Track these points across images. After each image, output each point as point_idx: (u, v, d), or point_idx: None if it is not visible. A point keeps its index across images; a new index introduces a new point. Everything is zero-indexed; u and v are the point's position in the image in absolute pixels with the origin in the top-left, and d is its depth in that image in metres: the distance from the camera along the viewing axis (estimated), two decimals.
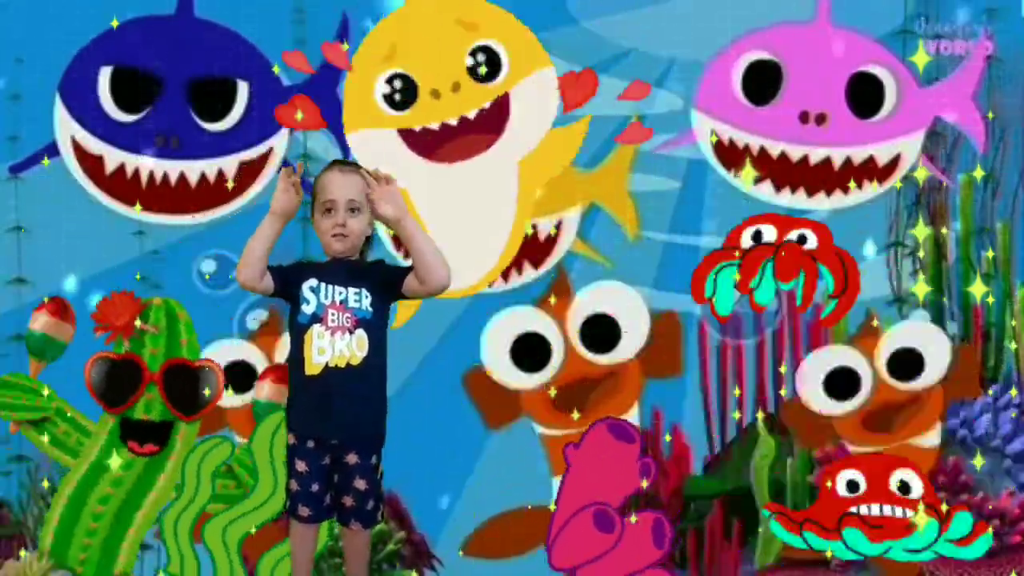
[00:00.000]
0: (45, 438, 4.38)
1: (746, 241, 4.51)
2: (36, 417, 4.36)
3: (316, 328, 3.32)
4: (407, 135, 4.46)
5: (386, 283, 3.42)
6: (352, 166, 3.55)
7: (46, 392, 4.37)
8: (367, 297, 3.36)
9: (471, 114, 4.46)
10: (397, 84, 4.43)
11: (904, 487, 4.49)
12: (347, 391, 3.31)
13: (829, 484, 4.51)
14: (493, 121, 4.47)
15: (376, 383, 3.39)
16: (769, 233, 4.50)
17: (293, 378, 3.41)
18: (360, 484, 3.36)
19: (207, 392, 4.38)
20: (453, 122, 4.46)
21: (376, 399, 3.40)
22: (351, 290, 3.35)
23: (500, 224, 4.49)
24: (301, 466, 3.36)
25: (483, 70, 4.41)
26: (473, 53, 4.45)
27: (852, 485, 4.51)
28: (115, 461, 4.37)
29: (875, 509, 4.48)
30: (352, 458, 3.35)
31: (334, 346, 3.31)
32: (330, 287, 3.35)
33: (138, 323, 4.36)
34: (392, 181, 3.33)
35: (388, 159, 4.24)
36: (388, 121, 4.45)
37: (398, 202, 3.31)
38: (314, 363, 3.32)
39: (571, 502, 4.48)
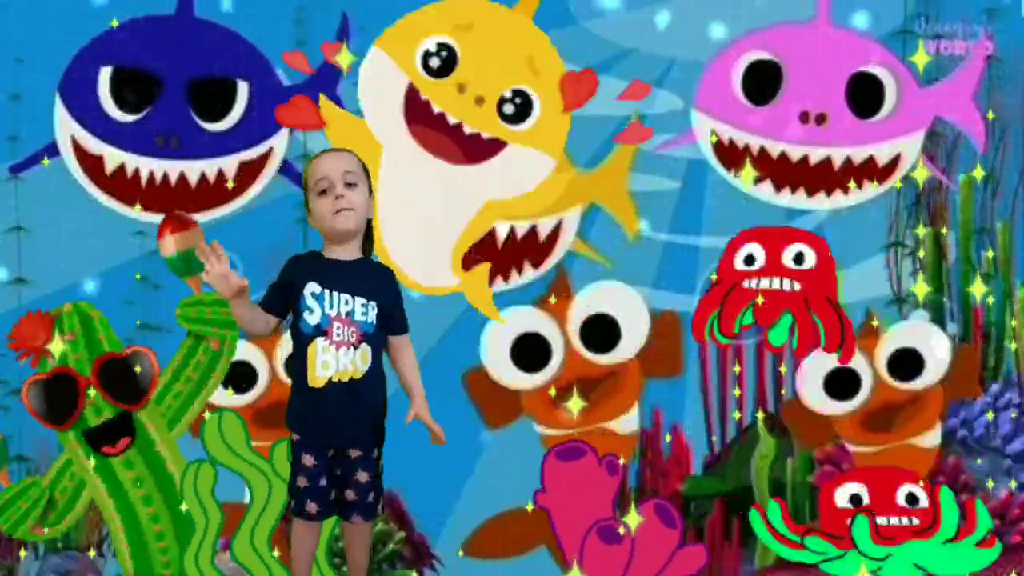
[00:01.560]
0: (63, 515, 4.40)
1: (738, 264, 4.50)
2: (43, 506, 4.35)
3: (320, 342, 3.17)
4: (419, 103, 4.46)
5: (388, 318, 3.31)
6: (339, 149, 3.44)
7: (27, 485, 4.38)
8: (373, 310, 3.22)
9: (468, 129, 4.46)
10: (444, 54, 4.42)
11: (912, 499, 4.50)
12: (350, 403, 3.22)
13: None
14: (479, 149, 4.47)
15: (377, 390, 3.30)
16: (759, 256, 4.48)
17: (296, 382, 3.29)
18: (362, 476, 3.31)
19: (143, 375, 4.36)
20: (453, 121, 4.45)
21: (377, 404, 3.32)
22: (358, 301, 3.20)
23: (451, 227, 4.49)
24: (308, 460, 3.27)
25: (509, 109, 4.42)
26: (515, 92, 4.45)
27: (855, 499, 4.51)
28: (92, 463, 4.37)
29: (881, 520, 4.48)
30: (354, 452, 3.30)
31: (339, 361, 3.18)
32: (335, 295, 3.18)
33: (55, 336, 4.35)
34: None
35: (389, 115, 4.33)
36: (419, 78, 4.44)
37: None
38: (317, 376, 3.19)
39: (573, 539, 4.48)
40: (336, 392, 3.21)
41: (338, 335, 3.19)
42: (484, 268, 4.40)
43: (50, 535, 4.40)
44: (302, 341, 3.23)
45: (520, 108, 4.44)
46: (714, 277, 4.50)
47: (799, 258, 4.50)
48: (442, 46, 4.44)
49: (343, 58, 4.42)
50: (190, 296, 4.37)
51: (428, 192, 4.45)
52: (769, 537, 4.46)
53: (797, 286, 4.49)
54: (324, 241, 3.31)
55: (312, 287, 3.20)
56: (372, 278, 3.29)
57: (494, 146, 4.47)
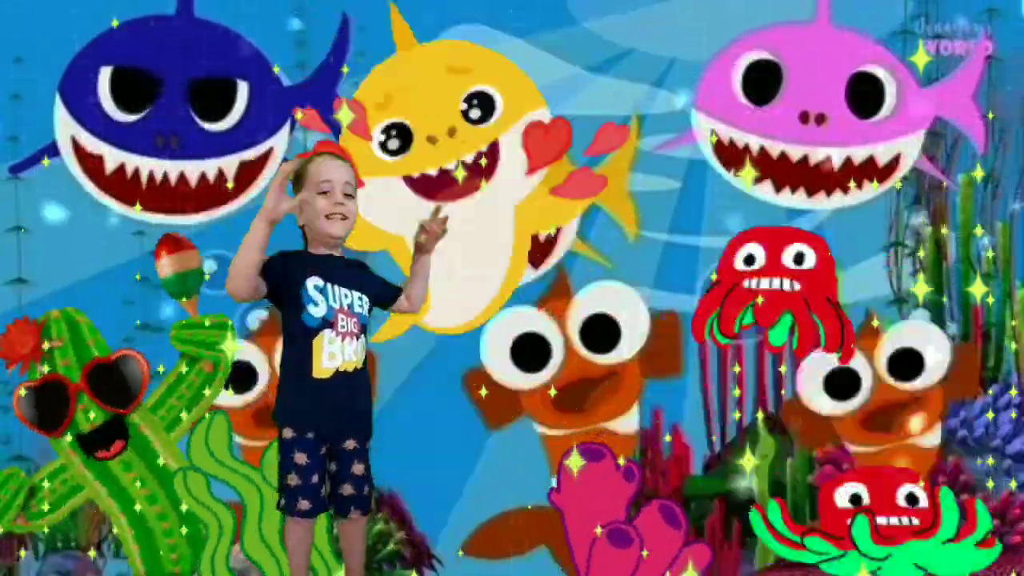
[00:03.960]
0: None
1: (738, 264, 4.50)
2: (24, 496, 4.35)
3: (327, 333, 3.26)
4: (408, 179, 4.48)
5: (381, 297, 3.45)
6: (342, 158, 3.51)
7: (16, 474, 4.38)
8: (367, 303, 3.37)
9: (468, 157, 4.46)
10: (392, 132, 4.45)
11: (912, 499, 4.50)
12: (353, 392, 3.32)
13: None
14: (491, 163, 4.47)
15: (368, 380, 3.41)
16: (759, 256, 4.48)
17: (293, 377, 3.32)
18: (358, 469, 3.35)
19: (132, 378, 4.36)
20: (451, 166, 4.46)
21: (369, 394, 3.43)
22: (356, 295, 3.33)
23: (497, 261, 4.50)
24: (301, 459, 3.29)
25: (476, 114, 4.42)
26: (468, 98, 4.46)
27: (855, 499, 4.51)
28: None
29: (881, 520, 4.48)
30: (350, 443, 3.34)
31: (344, 352, 3.27)
32: (338, 289, 3.29)
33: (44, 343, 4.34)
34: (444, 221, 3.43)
35: (393, 203, 4.36)
36: (388, 168, 4.45)
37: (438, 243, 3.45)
38: (324, 367, 3.26)
39: (583, 539, 4.47)
40: (342, 382, 3.28)
41: (343, 326, 3.28)
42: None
43: (34, 528, 4.38)
44: (306, 334, 3.27)
45: (483, 105, 4.45)
46: (714, 277, 4.50)
47: (799, 258, 4.50)
48: (385, 130, 4.47)
49: (343, 115, 4.44)
50: (185, 318, 4.37)
51: (471, 231, 4.38)
52: (769, 537, 4.46)
53: (797, 286, 4.49)
54: (309, 242, 3.37)
55: (315, 280, 3.28)
56: (357, 271, 3.43)
57: (496, 153, 4.48)
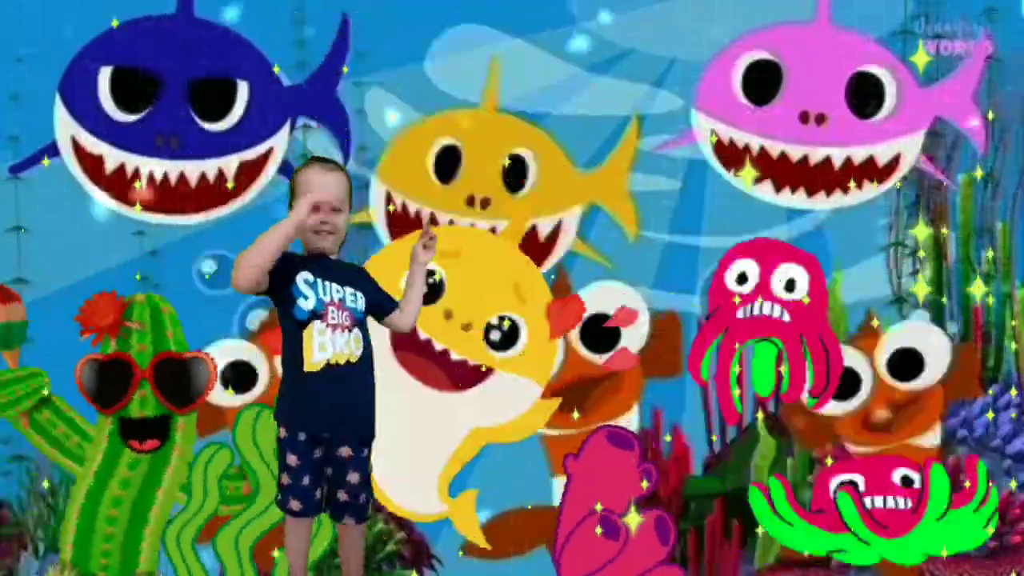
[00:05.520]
0: (42, 439, 4.38)
1: (730, 282, 4.49)
2: (38, 398, 4.35)
3: (317, 324, 3.27)
4: None
5: (377, 304, 3.42)
6: (333, 164, 3.51)
7: (32, 373, 4.37)
8: (361, 299, 3.36)
9: (455, 356, 4.48)
10: (430, 281, 4.41)
11: (907, 481, 4.50)
12: (348, 387, 3.29)
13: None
14: (465, 376, 4.48)
15: (369, 379, 3.37)
16: (753, 274, 4.47)
17: (289, 373, 3.34)
18: (353, 477, 3.34)
19: (198, 382, 4.37)
20: (439, 347, 4.47)
21: (371, 395, 3.38)
22: (348, 289, 3.32)
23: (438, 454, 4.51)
24: (292, 459, 3.32)
25: (495, 335, 4.46)
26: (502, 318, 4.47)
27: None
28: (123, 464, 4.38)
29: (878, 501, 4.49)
30: (345, 451, 3.33)
31: (335, 343, 3.26)
32: (328, 284, 3.30)
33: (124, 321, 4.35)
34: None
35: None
36: None
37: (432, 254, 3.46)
38: (314, 360, 3.26)
39: (575, 512, 4.48)
40: (334, 375, 3.27)
41: (334, 318, 3.28)
42: (471, 495, 4.45)
43: (29, 437, 4.38)
44: (297, 328, 3.29)
45: (507, 334, 4.44)
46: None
47: (790, 285, 4.50)
48: (428, 273, 4.42)
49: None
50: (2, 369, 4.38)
51: (415, 419, 4.40)
52: (769, 515, 4.45)
53: (787, 317, 4.49)
54: (305, 247, 3.40)
55: (305, 275, 3.30)
56: (352, 273, 3.43)
57: (480, 373, 4.47)
